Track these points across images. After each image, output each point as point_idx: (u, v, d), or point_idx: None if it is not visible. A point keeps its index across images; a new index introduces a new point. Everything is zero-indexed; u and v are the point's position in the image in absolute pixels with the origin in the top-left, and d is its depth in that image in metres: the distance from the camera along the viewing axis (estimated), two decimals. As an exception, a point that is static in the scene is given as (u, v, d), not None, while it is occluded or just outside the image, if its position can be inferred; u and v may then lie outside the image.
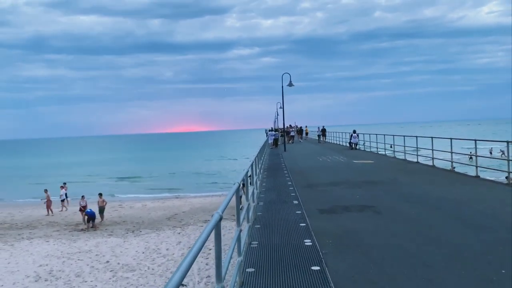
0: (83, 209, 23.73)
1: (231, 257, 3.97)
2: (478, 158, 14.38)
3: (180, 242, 18.44)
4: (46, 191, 27.43)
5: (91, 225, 22.05)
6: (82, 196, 25.60)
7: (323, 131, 39.88)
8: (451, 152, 14.94)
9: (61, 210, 27.44)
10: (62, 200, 27.81)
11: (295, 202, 9.38)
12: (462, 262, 4.81)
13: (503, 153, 42.02)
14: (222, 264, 2.85)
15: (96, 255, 17.11)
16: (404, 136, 20.14)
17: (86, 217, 22.21)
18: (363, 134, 29.17)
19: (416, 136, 18.32)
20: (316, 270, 4.74)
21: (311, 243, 5.83)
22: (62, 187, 28.73)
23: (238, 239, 4.24)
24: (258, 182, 10.95)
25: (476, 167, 13.10)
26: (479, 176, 13.00)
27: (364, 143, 29.19)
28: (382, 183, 11.82)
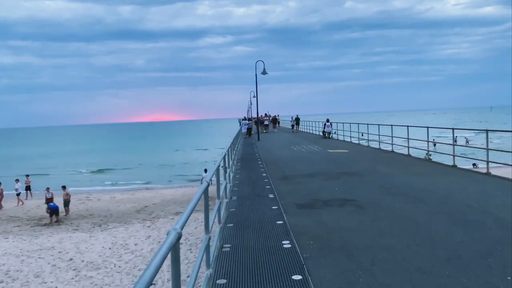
0: (48, 201, 22.69)
1: (198, 270, 3.28)
2: (440, 146, 14.25)
3: (150, 236, 17.64)
4: None
5: (55, 219, 20.91)
6: (47, 188, 24.45)
7: (297, 120, 39.34)
8: (427, 141, 14.67)
9: (17, 205, 25.88)
10: (18, 194, 26.18)
11: (271, 195, 8.74)
12: (460, 266, 4.27)
13: (467, 141, 43.12)
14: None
15: (59, 252, 16.14)
16: (378, 125, 19.83)
17: (49, 211, 21.07)
18: (336, 123, 28.87)
19: (391, 125, 17.99)
20: (298, 280, 4.10)
21: (290, 245, 5.19)
22: (17, 181, 27.12)
23: (207, 248, 3.54)
24: (231, 175, 10.25)
25: (453, 156, 12.82)
26: (456, 166, 12.74)
27: (337, 132, 28.92)
28: (360, 174, 11.32)
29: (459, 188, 8.90)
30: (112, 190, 34.33)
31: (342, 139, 26.61)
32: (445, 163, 14.59)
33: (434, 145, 22.78)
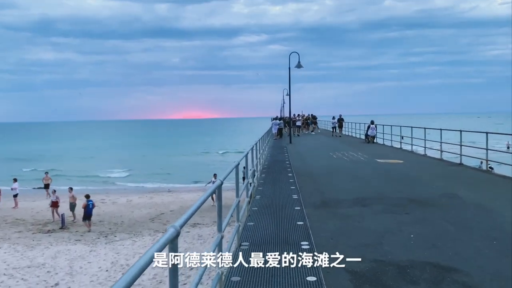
0: (54, 205, 20.53)
1: None
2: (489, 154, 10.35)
3: (156, 256, 14.62)
4: None
5: (88, 223, 18.77)
6: (54, 190, 22.32)
7: (340, 121, 32.48)
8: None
9: (14, 207, 23.53)
10: (15, 195, 23.80)
11: (305, 245, 5.35)
12: None
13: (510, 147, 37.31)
14: None
15: (48, 272, 13.52)
16: (440, 129, 15.95)
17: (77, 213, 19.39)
18: (382, 125, 24.94)
19: (460, 130, 14.10)
20: None
21: None
22: (15, 180, 24.77)
23: None
24: (245, 203, 6.95)
25: None
26: None
27: (383, 136, 24.88)
28: (438, 203, 7.64)
29: None
30: (131, 191, 32.09)
31: (390, 145, 22.71)
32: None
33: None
